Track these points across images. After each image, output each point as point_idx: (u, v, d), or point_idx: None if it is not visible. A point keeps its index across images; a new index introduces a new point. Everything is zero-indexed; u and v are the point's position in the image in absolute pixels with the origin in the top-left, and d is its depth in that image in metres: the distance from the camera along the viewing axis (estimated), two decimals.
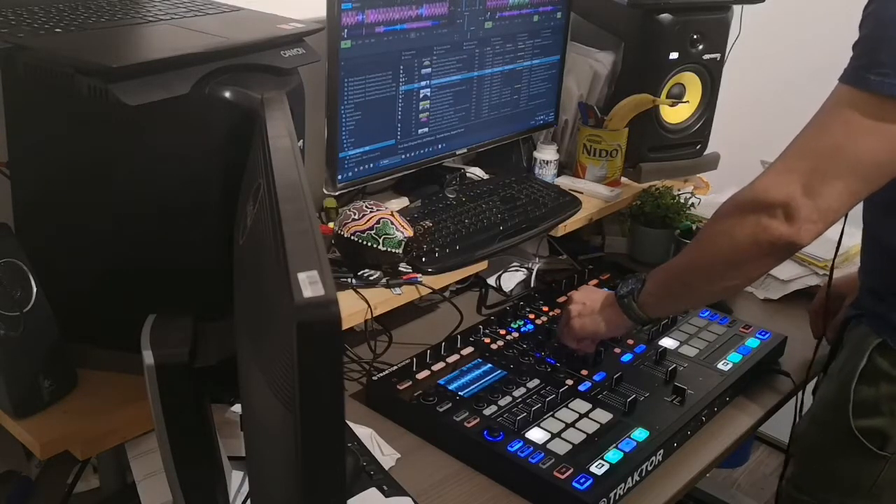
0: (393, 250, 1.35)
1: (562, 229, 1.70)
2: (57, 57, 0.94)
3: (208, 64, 0.95)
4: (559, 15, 1.80)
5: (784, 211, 1.03)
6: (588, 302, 1.32)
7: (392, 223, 1.35)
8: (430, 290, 1.41)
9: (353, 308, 1.30)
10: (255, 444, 0.82)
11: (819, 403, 1.30)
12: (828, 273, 1.68)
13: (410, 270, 1.39)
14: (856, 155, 1.02)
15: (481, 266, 1.53)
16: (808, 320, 1.51)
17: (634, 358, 1.39)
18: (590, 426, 1.20)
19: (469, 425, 1.19)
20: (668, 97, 1.88)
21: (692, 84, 1.91)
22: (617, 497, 1.12)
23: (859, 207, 1.23)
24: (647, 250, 1.84)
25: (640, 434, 1.20)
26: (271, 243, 0.63)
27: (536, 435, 1.18)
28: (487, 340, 1.41)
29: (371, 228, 1.34)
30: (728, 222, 1.10)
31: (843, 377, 1.22)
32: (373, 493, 1.09)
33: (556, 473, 1.10)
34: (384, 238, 1.34)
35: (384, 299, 1.34)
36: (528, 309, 1.52)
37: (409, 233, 1.37)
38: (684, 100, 1.91)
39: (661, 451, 1.20)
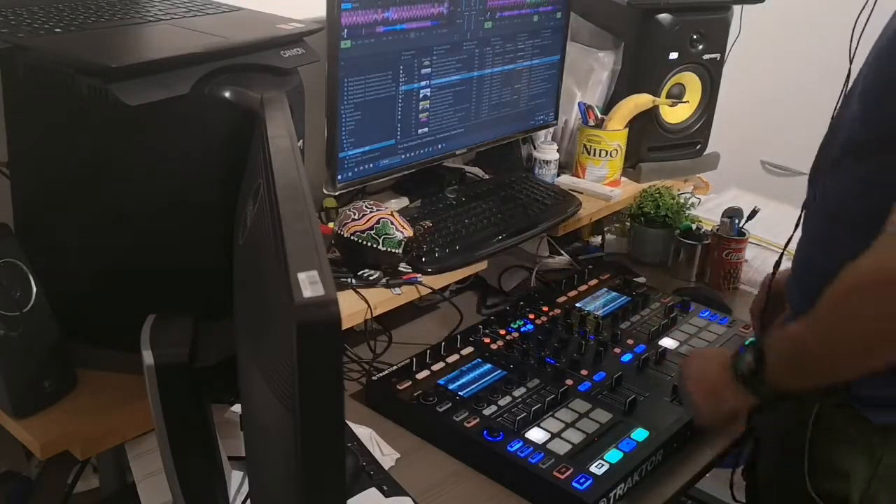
0: (393, 250, 1.35)
1: (562, 229, 1.70)
2: (57, 57, 0.94)
3: (208, 64, 0.96)
4: (559, 15, 1.80)
5: None
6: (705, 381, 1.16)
7: (392, 223, 1.35)
8: (430, 290, 1.41)
9: (353, 308, 1.30)
10: (255, 444, 0.82)
11: (767, 466, 1.19)
12: None
13: (410, 270, 1.39)
14: None
15: (481, 266, 1.53)
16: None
17: (634, 358, 1.39)
18: (590, 426, 1.20)
19: (469, 425, 1.19)
20: (668, 97, 1.88)
21: (692, 84, 1.91)
22: (617, 497, 1.12)
23: None
24: (647, 250, 1.84)
25: (640, 434, 1.20)
26: (271, 243, 0.63)
27: (536, 435, 1.18)
28: (487, 340, 1.41)
29: (371, 228, 1.34)
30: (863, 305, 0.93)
31: (792, 439, 1.11)
32: (373, 493, 1.09)
33: (555, 473, 1.10)
34: (384, 238, 1.34)
35: (384, 299, 1.34)
36: (528, 309, 1.52)
37: (409, 233, 1.37)
38: (684, 100, 1.91)
39: (661, 451, 1.20)
